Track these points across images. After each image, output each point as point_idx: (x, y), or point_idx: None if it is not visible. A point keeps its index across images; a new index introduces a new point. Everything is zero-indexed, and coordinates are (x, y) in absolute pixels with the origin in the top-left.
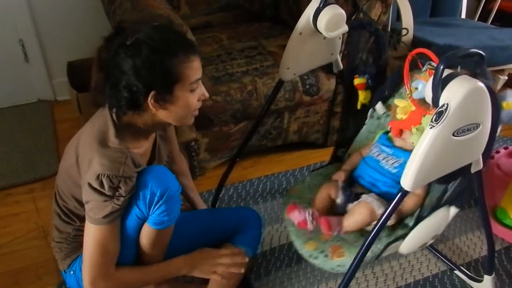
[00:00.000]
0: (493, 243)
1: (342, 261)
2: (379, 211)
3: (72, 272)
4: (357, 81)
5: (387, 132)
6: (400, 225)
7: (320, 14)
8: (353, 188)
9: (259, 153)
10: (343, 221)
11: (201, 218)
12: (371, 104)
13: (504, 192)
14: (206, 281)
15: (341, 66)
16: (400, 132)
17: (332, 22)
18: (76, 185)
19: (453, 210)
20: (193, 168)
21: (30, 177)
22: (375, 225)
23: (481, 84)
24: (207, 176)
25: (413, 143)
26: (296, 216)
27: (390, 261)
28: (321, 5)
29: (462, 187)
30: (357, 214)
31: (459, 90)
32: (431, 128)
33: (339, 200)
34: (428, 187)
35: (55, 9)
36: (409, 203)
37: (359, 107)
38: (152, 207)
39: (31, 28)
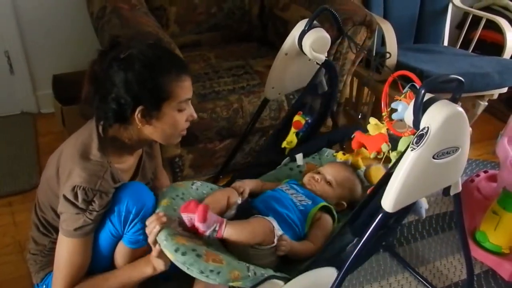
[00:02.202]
0: (472, 267)
1: (220, 267)
2: (279, 232)
3: (44, 287)
4: (298, 117)
5: (294, 183)
6: (291, 266)
7: (305, 36)
8: (249, 209)
9: (235, 172)
10: (229, 225)
11: None
12: (290, 153)
13: (484, 216)
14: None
15: (326, 87)
16: (359, 145)
17: (316, 44)
18: (55, 196)
19: (334, 273)
20: None
21: (10, 189)
22: (356, 242)
23: (460, 109)
24: None
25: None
26: (191, 217)
27: (371, 284)
28: (306, 28)
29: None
30: (248, 227)
31: (439, 114)
32: (412, 150)
33: (233, 209)
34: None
35: (42, 21)
36: (307, 249)
37: (282, 145)
38: (127, 225)
39: (17, 39)
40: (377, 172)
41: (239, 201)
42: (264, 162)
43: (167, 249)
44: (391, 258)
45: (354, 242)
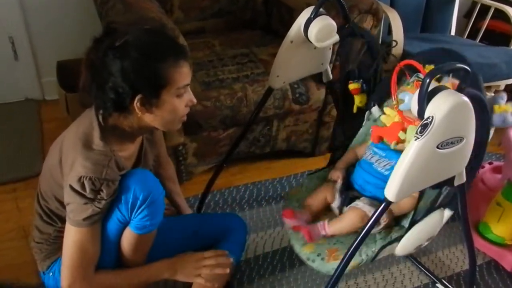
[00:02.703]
0: (475, 258)
1: (338, 264)
2: (370, 213)
3: (51, 274)
4: (352, 86)
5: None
6: (395, 227)
7: (311, 24)
8: (349, 192)
9: (247, 160)
10: (330, 226)
11: (185, 223)
12: (367, 107)
13: (487, 207)
14: (188, 287)
15: (331, 77)
16: (378, 139)
17: (322, 32)
18: (58, 186)
19: (447, 213)
20: (180, 172)
21: (13, 176)
22: (361, 230)
23: (465, 99)
24: (194, 181)
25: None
26: (292, 221)
27: (373, 273)
28: (312, 16)
29: (455, 191)
30: (345, 221)
31: (444, 104)
32: (416, 139)
33: (335, 204)
34: (422, 190)
35: (46, 7)
36: (404, 204)
37: (355, 110)
38: (135, 211)
39: (22, 25)
40: None
41: (339, 187)
42: (348, 130)
43: (303, 258)
44: None
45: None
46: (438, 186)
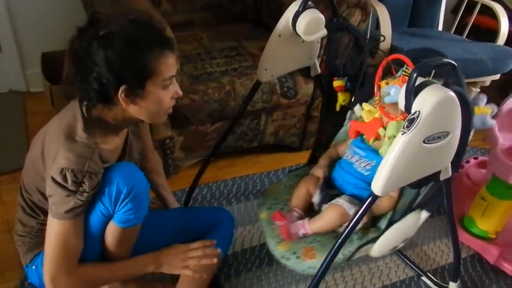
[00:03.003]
0: (459, 251)
1: (313, 262)
2: (351, 211)
3: (34, 267)
4: (336, 83)
5: (362, 134)
6: (372, 228)
7: (299, 18)
8: (330, 190)
9: (235, 154)
10: (310, 224)
11: (172, 217)
12: (350, 106)
13: (472, 201)
14: (175, 279)
15: (319, 71)
16: (356, 134)
17: (310, 25)
18: (41, 178)
19: (424, 214)
20: (167, 166)
21: None
22: (346, 227)
23: (452, 94)
24: (181, 175)
25: (381, 153)
26: (281, 223)
27: (360, 266)
28: (300, 9)
29: (433, 192)
30: (325, 218)
31: (430, 98)
32: (402, 134)
33: (315, 199)
34: (401, 191)
35: None
36: (384, 204)
37: (338, 109)
38: (118, 204)
39: (5, 16)
40: None
41: (320, 183)
42: (330, 128)
43: (277, 257)
44: None
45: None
46: (424, 182)
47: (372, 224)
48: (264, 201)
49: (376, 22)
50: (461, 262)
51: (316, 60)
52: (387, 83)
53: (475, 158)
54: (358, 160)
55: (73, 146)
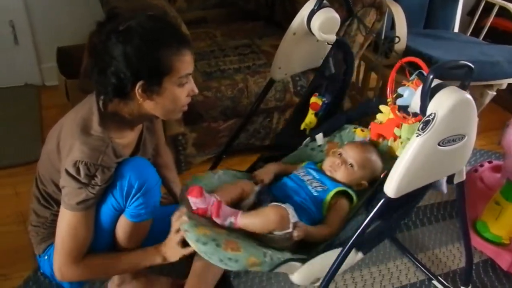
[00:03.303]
0: (472, 256)
1: (237, 255)
2: (293, 220)
3: (46, 257)
4: (314, 99)
5: (316, 162)
6: (309, 249)
7: (314, 16)
8: (269, 196)
9: (247, 152)
10: (243, 216)
11: None
12: (311, 133)
13: (485, 206)
14: (185, 275)
15: (333, 70)
16: (378, 136)
17: (325, 24)
18: (55, 170)
19: (359, 255)
20: (179, 162)
21: (12, 161)
22: (356, 229)
23: (468, 96)
24: (193, 171)
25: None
26: (198, 201)
27: (369, 267)
28: (315, 7)
29: (375, 234)
30: (263, 215)
31: (447, 101)
32: (417, 136)
33: (250, 199)
34: (346, 224)
35: None
36: (323, 233)
37: (302, 127)
38: (129, 199)
39: (22, 9)
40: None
41: (257, 189)
42: (284, 144)
43: (190, 239)
44: (390, 243)
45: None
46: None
47: (306, 246)
48: (193, 183)
49: (391, 22)
50: (473, 267)
51: (331, 59)
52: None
53: (490, 162)
54: (311, 180)
55: (88, 139)
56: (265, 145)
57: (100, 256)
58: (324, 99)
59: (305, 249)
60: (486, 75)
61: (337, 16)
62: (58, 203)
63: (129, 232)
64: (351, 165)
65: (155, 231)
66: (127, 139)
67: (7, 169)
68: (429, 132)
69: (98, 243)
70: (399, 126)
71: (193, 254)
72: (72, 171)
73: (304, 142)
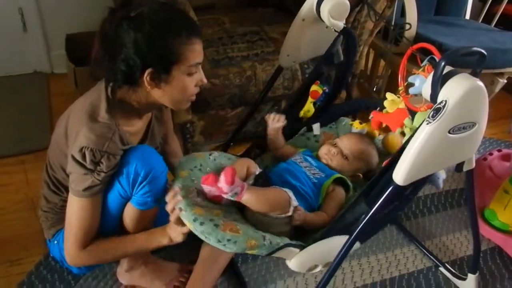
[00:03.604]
0: (479, 243)
1: (236, 237)
2: (295, 203)
3: (56, 242)
4: (315, 87)
5: (312, 151)
6: (306, 236)
7: (324, 2)
8: (267, 181)
9: (254, 140)
10: (249, 191)
11: None
12: (307, 122)
13: (494, 194)
14: (193, 262)
15: (342, 57)
16: (378, 125)
17: (335, 10)
18: (64, 156)
19: (357, 245)
20: (186, 150)
21: (22, 148)
22: (364, 216)
23: (480, 83)
24: None
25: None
26: (212, 189)
27: (376, 254)
28: None
29: (372, 227)
30: (267, 193)
31: (458, 88)
32: (427, 124)
33: (251, 181)
34: (353, 205)
35: None
36: (320, 219)
37: (300, 115)
38: (136, 187)
39: None
40: (395, 140)
41: (257, 171)
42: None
43: (186, 219)
44: (398, 231)
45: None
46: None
47: (306, 233)
48: (188, 161)
49: (402, 9)
50: (481, 254)
51: (339, 47)
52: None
53: (499, 151)
54: (308, 167)
55: (95, 126)
56: (254, 131)
57: (108, 240)
58: (324, 88)
59: (301, 237)
60: (497, 62)
61: (346, 2)
62: (67, 189)
63: (136, 219)
64: (346, 157)
65: (161, 218)
66: (135, 127)
67: (17, 156)
68: (439, 120)
69: (106, 230)
70: (409, 116)
71: (202, 240)
72: (78, 156)
73: (301, 130)
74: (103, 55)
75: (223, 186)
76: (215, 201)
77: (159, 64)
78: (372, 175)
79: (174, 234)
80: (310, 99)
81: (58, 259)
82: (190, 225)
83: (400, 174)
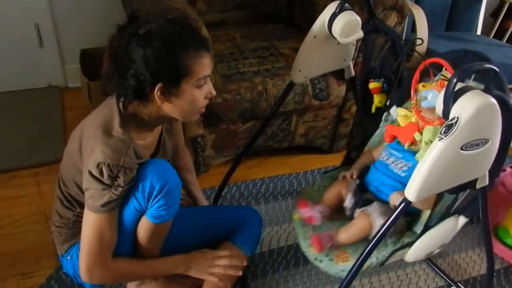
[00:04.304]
0: (493, 262)
1: (347, 266)
2: (378, 222)
3: (69, 257)
4: (372, 85)
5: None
6: (407, 232)
7: (336, 20)
8: (363, 194)
9: (265, 154)
10: (339, 235)
11: (201, 214)
12: (385, 107)
13: (508, 211)
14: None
15: (353, 73)
16: (392, 138)
17: (346, 28)
18: (78, 172)
19: (462, 220)
20: (197, 164)
21: (36, 161)
22: (376, 233)
23: (493, 100)
24: (211, 173)
25: (417, 158)
26: (305, 211)
27: (388, 272)
28: (337, 11)
29: (472, 198)
30: (354, 228)
31: (471, 104)
32: (439, 140)
33: (347, 203)
34: (439, 194)
35: None
36: (420, 205)
37: (373, 110)
38: (151, 200)
39: (48, 13)
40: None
41: (353, 186)
42: (366, 128)
43: (310, 258)
44: None
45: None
46: (459, 189)
47: (408, 228)
48: (297, 197)
49: (412, 25)
50: (494, 274)
51: (351, 63)
52: (423, 86)
53: None
54: (395, 161)
55: (110, 140)
56: (294, 146)
57: (127, 260)
58: (381, 80)
59: (408, 228)
60: (510, 78)
61: (358, 19)
62: (80, 205)
63: (150, 233)
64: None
65: (173, 232)
66: (147, 140)
67: (31, 169)
68: (451, 136)
69: (121, 244)
70: (419, 131)
71: None
72: (95, 172)
73: (383, 116)
74: (113, 71)
75: (321, 251)
76: (308, 222)
77: (169, 78)
78: None
79: (196, 269)
80: (375, 96)
81: (71, 274)
82: (314, 263)
83: (412, 190)
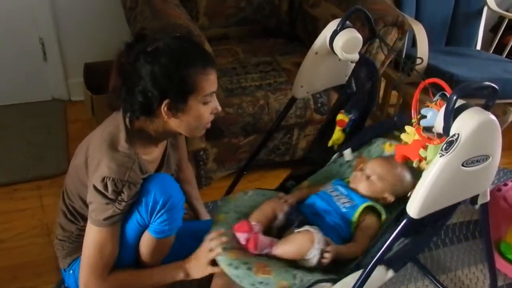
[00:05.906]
0: (496, 278)
1: (268, 279)
2: (317, 245)
3: (71, 272)
4: (341, 116)
5: (344, 179)
6: (340, 268)
7: (337, 36)
8: (299, 215)
9: (266, 167)
10: (278, 246)
11: (203, 228)
12: (339, 148)
13: (510, 226)
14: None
15: (354, 88)
16: (403, 158)
17: (348, 44)
18: (83, 185)
19: (389, 274)
20: (199, 177)
21: (38, 174)
22: (379, 249)
23: (492, 117)
24: (213, 187)
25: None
26: (244, 235)
27: (387, 287)
28: (338, 28)
29: (405, 250)
30: (295, 243)
31: (471, 121)
32: (441, 156)
33: (279, 220)
34: (376, 241)
35: (76, 10)
36: (352, 250)
37: (329, 144)
38: (154, 215)
39: (52, 27)
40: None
41: (286, 209)
42: (312, 160)
43: (222, 263)
44: (412, 264)
45: (403, 241)
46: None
47: (345, 264)
48: (224, 204)
49: (412, 40)
50: None
51: (352, 79)
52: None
53: None
54: (339, 196)
55: (115, 155)
56: (295, 159)
57: (126, 272)
58: (350, 116)
59: (335, 267)
60: (509, 93)
61: (359, 36)
62: (84, 218)
63: (152, 247)
64: (368, 177)
65: (175, 246)
66: (152, 155)
67: (33, 182)
68: (452, 153)
69: (122, 258)
70: (424, 147)
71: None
72: (100, 186)
73: (332, 158)
74: (121, 87)
75: (253, 252)
76: (247, 250)
77: (176, 95)
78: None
79: (196, 270)
80: (338, 128)
81: None
82: (226, 269)
83: (414, 207)
